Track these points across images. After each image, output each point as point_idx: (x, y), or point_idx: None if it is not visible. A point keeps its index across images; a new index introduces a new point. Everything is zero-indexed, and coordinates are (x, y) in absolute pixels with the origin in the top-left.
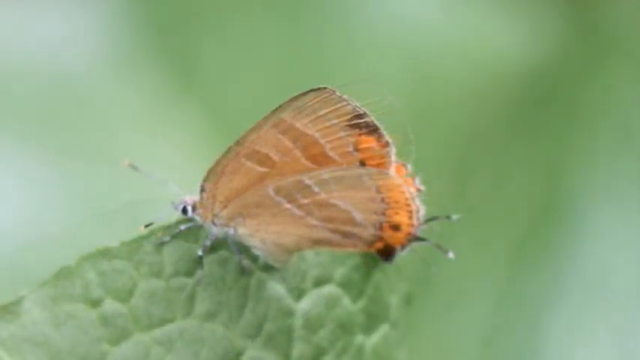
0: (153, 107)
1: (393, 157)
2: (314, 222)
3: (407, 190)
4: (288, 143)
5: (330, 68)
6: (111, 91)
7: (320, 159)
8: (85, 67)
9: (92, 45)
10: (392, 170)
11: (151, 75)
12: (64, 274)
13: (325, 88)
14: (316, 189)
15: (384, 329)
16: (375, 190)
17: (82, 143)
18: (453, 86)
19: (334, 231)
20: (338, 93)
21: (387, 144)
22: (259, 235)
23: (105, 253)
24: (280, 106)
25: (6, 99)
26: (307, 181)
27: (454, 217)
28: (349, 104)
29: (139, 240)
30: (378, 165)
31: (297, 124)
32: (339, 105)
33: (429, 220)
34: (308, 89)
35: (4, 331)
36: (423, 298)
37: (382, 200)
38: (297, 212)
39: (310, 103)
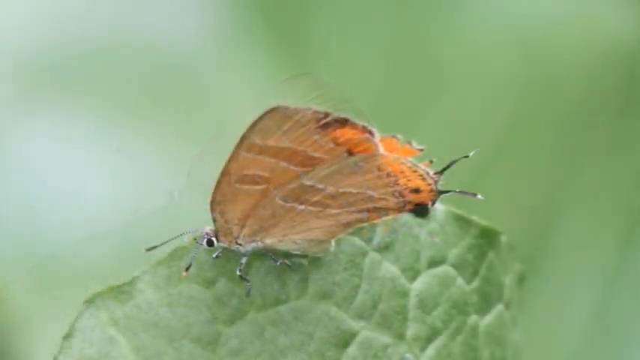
0: (260, 86)
1: (377, 137)
2: (335, 210)
3: (405, 159)
4: (269, 160)
5: (439, 45)
6: (218, 70)
7: (308, 162)
8: (192, 45)
9: (199, 22)
10: (380, 149)
11: (258, 53)
12: (178, 254)
13: (277, 107)
14: (320, 185)
15: (498, 309)
16: (377, 169)
17: (187, 122)
18: (562, 65)
19: (359, 211)
20: (292, 107)
21: (363, 129)
22: (288, 238)
23: None
24: (245, 133)
25: (112, 75)
26: (308, 182)
27: (479, 196)
28: (307, 112)
29: None
30: (365, 149)
31: (270, 143)
32: (298, 116)
33: (445, 168)
34: (262, 111)
35: (117, 311)
36: (533, 279)
37: (388, 175)
38: (313, 208)
39: (271, 123)
